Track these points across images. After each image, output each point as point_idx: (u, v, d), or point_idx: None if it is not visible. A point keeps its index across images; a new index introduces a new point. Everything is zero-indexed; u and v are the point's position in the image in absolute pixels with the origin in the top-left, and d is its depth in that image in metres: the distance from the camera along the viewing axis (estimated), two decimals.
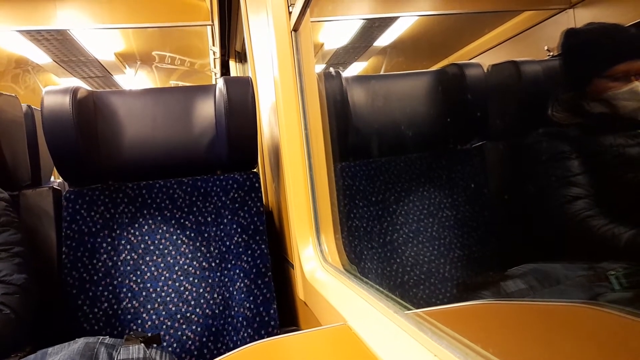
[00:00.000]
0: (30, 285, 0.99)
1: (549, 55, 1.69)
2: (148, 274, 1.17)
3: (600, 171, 1.03)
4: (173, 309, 1.15)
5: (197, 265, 1.20)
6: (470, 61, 1.36)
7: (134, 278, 1.16)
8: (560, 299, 0.87)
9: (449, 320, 0.56)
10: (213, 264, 1.20)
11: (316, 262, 0.99)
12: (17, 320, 0.93)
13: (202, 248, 1.21)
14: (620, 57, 1.00)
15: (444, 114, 1.34)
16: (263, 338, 1.11)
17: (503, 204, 1.34)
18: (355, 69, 5.03)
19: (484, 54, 2.70)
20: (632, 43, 1.02)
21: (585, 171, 1.05)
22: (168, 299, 1.16)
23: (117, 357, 0.79)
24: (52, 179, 2.32)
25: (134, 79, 5.13)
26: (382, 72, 4.60)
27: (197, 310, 1.16)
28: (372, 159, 1.33)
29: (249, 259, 1.17)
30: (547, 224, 1.13)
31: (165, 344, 1.12)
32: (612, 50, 1.03)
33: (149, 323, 1.14)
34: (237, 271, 1.17)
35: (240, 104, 1.19)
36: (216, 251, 1.21)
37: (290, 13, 1.04)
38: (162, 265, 1.18)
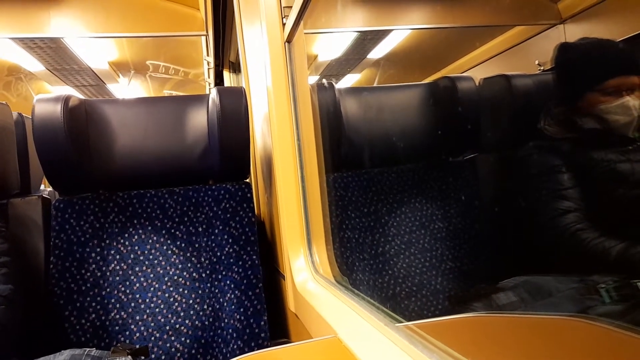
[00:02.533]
0: (16, 296, 0.98)
1: (539, 70, 1.72)
2: (137, 285, 1.16)
3: (591, 186, 1.04)
4: (162, 320, 1.14)
5: (187, 276, 1.18)
6: (462, 74, 1.37)
7: (122, 289, 1.15)
8: (551, 311, 0.87)
9: (440, 333, 0.55)
10: (203, 275, 1.19)
11: (307, 274, 0.99)
12: (2, 332, 0.92)
13: (193, 259, 1.20)
14: (612, 72, 1.01)
15: (436, 126, 1.35)
16: (253, 350, 1.10)
17: (495, 217, 1.34)
18: (349, 81, 5.05)
19: (475, 67, 2.73)
20: (624, 58, 1.04)
21: (576, 185, 1.06)
22: (157, 310, 1.14)
23: None
24: (42, 187, 2.29)
25: (128, 88, 5.11)
26: (375, 85, 4.64)
27: (187, 321, 1.14)
28: (364, 170, 1.33)
29: (240, 270, 1.16)
30: (538, 236, 1.13)
31: (153, 356, 1.10)
32: (605, 65, 1.04)
33: (137, 335, 1.12)
34: (228, 282, 1.16)
35: (233, 114, 1.19)
36: (207, 262, 1.19)
37: (284, 24, 1.04)
38: (151, 275, 1.17)
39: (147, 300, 1.15)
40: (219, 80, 3.13)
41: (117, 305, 1.13)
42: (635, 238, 0.92)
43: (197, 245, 1.21)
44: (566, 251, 1.05)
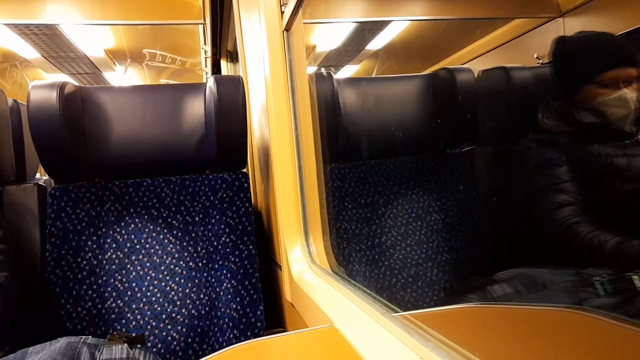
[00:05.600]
0: (11, 283, 0.98)
1: (538, 63, 1.71)
2: (133, 274, 1.16)
3: (588, 179, 1.04)
4: (158, 309, 1.14)
5: (184, 265, 1.18)
6: (461, 66, 1.37)
7: (119, 277, 1.15)
8: (546, 303, 0.87)
9: (435, 323, 0.55)
10: (200, 264, 1.19)
11: (304, 264, 0.99)
12: None
13: (189, 248, 1.20)
14: (609, 64, 1.01)
15: (434, 117, 1.35)
16: (249, 339, 1.10)
17: (491, 209, 1.35)
18: (347, 71, 5.03)
19: (474, 59, 2.73)
20: (621, 50, 1.04)
21: (573, 178, 1.06)
22: (153, 298, 1.14)
23: (99, 357, 0.77)
24: (37, 175, 2.28)
25: (124, 77, 5.08)
26: (373, 76, 4.61)
27: (183, 310, 1.15)
28: (362, 161, 1.33)
29: (237, 260, 1.16)
30: (535, 229, 1.14)
31: (149, 344, 1.11)
32: (602, 58, 1.04)
33: (134, 323, 1.12)
34: (224, 272, 1.16)
35: (231, 103, 1.18)
36: (203, 251, 1.19)
37: (282, 13, 1.03)
38: (148, 264, 1.17)
39: (144, 289, 1.15)
40: (216, 69, 3.11)
41: (113, 294, 1.13)
42: (631, 232, 0.92)
43: (193, 235, 1.21)
44: (562, 244, 1.05)
